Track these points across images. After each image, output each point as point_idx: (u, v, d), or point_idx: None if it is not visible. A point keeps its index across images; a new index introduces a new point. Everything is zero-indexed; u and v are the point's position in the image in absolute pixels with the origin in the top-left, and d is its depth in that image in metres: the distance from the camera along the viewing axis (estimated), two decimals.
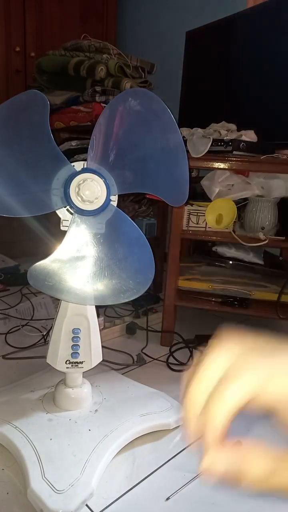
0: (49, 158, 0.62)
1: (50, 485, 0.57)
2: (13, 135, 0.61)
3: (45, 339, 1.14)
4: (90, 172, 0.63)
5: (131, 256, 0.70)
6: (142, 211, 1.83)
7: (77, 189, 0.62)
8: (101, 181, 0.63)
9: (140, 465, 0.69)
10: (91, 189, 0.62)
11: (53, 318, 0.74)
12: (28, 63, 1.76)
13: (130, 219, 0.70)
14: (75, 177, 0.62)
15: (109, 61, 1.41)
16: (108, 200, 0.65)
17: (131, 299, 0.72)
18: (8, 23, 1.70)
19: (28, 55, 1.76)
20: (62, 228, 0.66)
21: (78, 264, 0.67)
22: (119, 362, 1.01)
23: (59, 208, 0.65)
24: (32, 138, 0.61)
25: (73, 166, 0.64)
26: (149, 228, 1.79)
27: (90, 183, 0.62)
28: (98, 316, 0.76)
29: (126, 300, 0.73)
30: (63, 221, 0.66)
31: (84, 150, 1.50)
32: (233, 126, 1.13)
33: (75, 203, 0.63)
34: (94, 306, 0.74)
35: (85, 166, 0.64)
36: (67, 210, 0.66)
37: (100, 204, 0.64)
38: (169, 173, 0.69)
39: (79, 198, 0.63)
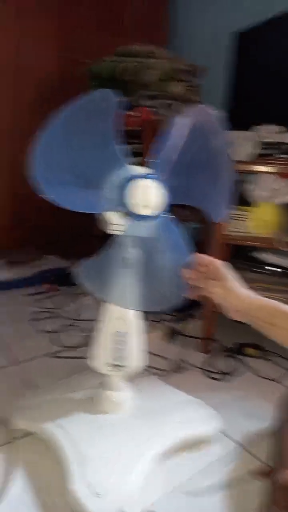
0: (110, 158, 0.63)
1: (90, 487, 0.59)
2: (82, 130, 0.63)
3: (89, 340, 1.18)
4: (151, 178, 0.63)
5: (175, 262, 0.69)
6: (185, 215, 1.82)
7: (137, 192, 0.62)
8: (160, 188, 0.63)
9: (176, 473, 0.70)
10: (152, 195, 0.62)
11: (98, 320, 0.76)
12: (82, 70, 1.82)
13: (177, 225, 0.69)
14: (135, 180, 0.62)
15: (158, 65, 1.42)
16: (164, 207, 0.65)
17: (173, 307, 0.72)
18: (67, 34, 1.77)
19: (82, 62, 1.82)
20: (109, 231, 0.67)
21: (124, 267, 0.67)
22: (158, 367, 1.02)
23: (110, 211, 0.66)
24: (99, 135, 0.63)
25: (133, 169, 0.64)
26: (192, 233, 1.78)
27: (151, 189, 0.62)
28: (139, 318, 0.77)
29: (169, 308, 0.74)
30: (112, 225, 0.66)
31: (134, 155, 1.52)
32: (280, 128, 1.09)
33: (132, 206, 0.63)
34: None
35: (144, 172, 0.64)
36: (117, 213, 0.66)
37: (156, 211, 0.64)
38: (216, 194, 0.70)
39: (138, 202, 0.62)
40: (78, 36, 1.80)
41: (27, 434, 0.76)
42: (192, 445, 0.76)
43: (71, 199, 0.64)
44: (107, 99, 0.62)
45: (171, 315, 1.32)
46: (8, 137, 1.74)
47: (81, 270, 0.66)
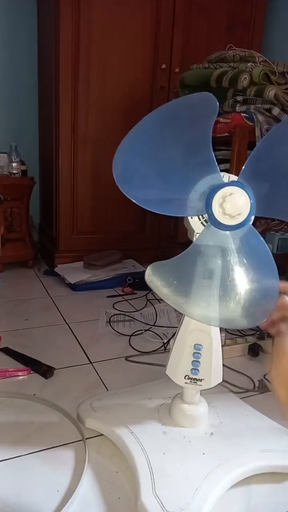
0: (203, 164, 0.61)
1: (160, 502, 0.56)
2: (175, 133, 0.62)
3: (165, 347, 1.16)
4: (239, 187, 0.60)
5: (258, 277, 0.64)
6: (275, 224, 1.71)
7: (221, 200, 0.60)
8: (247, 197, 0.60)
9: (256, 506, 0.63)
10: (237, 203, 0.59)
11: (174, 327, 0.74)
12: (172, 79, 1.83)
13: (262, 238, 0.64)
14: (222, 188, 0.60)
15: (253, 69, 1.36)
16: (249, 218, 0.61)
17: (256, 325, 0.68)
18: (157, 42, 1.79)
19: (173, 71, 1.83)
20: (193, 239, 0.65)
21: (205, 278, 0.64)
22: (238, 385, 0.95)
23: (193, 215, 0.64)
24: (192, 140, 0.61)
25: (220, 176, 0.62)
26: (281, 243, 1.67)
27: (237, 198, 0.59)
28: (220, 331, 0.72)
29: (250, 326, 0.69)
30: (197, 234, 0.64)
31: (219, 162, 1.48)
32: None
33: (215, 214, 0.60)
34: None
35: (230, 179, 0.62)
36: (201, 221, 0.64)
37: (241, 221, 0.61)
38: None
39: (221, 210, 0.60)
40: (166, 44, 1.81)
41: (98, 435, 0.76)
42: (277, 478, 0.68)
43: (155, 202, 0.63)
44: (207, 103, 0.59)
45: (255, 330, 1.23)
46: (92, 146, 1.81)
47: (151, 272, 0.65)
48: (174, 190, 0.63)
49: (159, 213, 0.63)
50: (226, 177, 0.62)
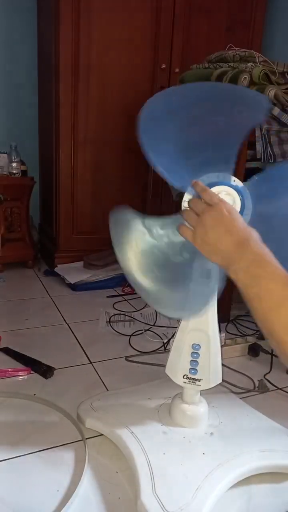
0: (218, 158, 0.62)
1: (160, 502, 0.56)
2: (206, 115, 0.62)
3: (165, 347, 1.16)
4: (227, 186, 0.61)
5: None
6: None
7: None
8: (237, 196, 0.61)
9: (256, 506, 0.63)
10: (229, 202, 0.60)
11: (174, 327, 0.74)
12: (172, 79, 1.83)
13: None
14: (213, 186, 0.61)
15: (253, 69, 1.36)
16: (247, 217, 0.61)
17: None
18: (157, 42, 1.79)
19: (173, 71, 1.83)
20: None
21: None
22: (238, 385, 0.95)
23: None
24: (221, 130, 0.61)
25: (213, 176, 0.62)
26: None
27: (225, 197, 0.60)
28: (219, 331, 0.72)
29: None
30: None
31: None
32: None
33: None
34: (216, 323, 0.71)
35: (236, 182, 0.62)
36: None
37: None
38: None
39: None
40: (166, 44, 1.81)
41: (98, 435, 0.76)
42: (277, 478, 0.68)
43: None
44: (259, 103, 0.60)
45: (255, 330, 1.23)
46: (92, 146, 1.80)
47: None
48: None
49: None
50: (220, 177, 0.62)
